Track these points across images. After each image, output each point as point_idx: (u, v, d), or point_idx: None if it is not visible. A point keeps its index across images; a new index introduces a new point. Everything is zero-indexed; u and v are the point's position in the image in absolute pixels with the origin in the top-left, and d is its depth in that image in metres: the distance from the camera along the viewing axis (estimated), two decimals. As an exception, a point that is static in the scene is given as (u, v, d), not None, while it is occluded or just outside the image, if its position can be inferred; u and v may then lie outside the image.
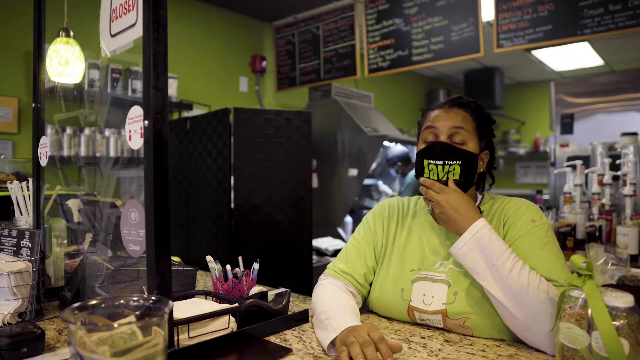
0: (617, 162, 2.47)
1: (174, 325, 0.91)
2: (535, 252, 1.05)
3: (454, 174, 1.13)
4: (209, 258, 1.29)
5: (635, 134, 2.63)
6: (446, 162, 1.13)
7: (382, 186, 4.73)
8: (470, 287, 1.09)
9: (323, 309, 1.09)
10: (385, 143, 4.05)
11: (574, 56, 5.38)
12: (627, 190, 2.16)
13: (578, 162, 2.34)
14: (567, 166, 2.41)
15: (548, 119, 4.88)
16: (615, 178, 2.40)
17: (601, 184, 2.34)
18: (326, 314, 1.06)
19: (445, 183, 1.13)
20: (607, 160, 2.42)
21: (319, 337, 1.04)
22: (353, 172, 3.78)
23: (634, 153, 2.49)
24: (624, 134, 2.64)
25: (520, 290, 0.95)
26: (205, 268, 1.37)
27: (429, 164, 1.15)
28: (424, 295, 1.14)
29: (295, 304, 1.37)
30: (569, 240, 2.15)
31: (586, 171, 2.48)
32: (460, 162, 1.12)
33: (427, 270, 1.17)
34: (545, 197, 4.69)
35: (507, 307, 0.97)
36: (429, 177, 1.15)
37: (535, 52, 5.18)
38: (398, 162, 4.41)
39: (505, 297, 0.97)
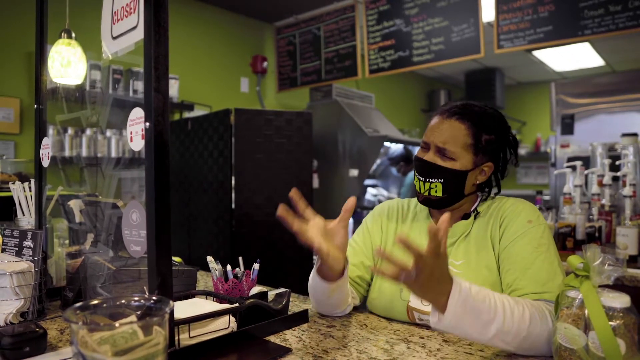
0: (617, 162, 2.47)
1: (175, 325, 0.92)
2: (529, 261, 1.05)
3: (435, 191, 1.15)
4: (209, 258, 1.29)
5: (635, 134, 2.63)
6: (427, 180, 1.16)
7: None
8: None
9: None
10: (386, 144, 4.05)
11: (575, 56, 5.38)
12: (627, 191, 2.16)
13: (578, 163, 2.34)
14: (567, 167, 2.41)
15: (549, 120, 4.88)
16: (615, 179, 2.40)
17: (601, 184, 2.34)
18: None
19: (428, 198, 1.17)
20: (607, 161, 2.42)
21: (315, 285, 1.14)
22: (354, 172, 3.79)
23: (634, 154, 2.49)
24: (624, 135, 2.64)
25: (518, 333, 0.90)
26: (206, 268, 1.37)
27: (416, 175, 1.20)
28: None
29: (295, 304, 1.37)
30: (568, 241, 2.16)
31: (586, 172, 2.48)
32: (442, 180, 1.14)
33: None
34: (546, 197, 4.69)
35: (509, 349, 0.93)
36: (420, 191, 1.19)
37: (535, 53, 5.18)
38: (401, 162, 4.41)
39: (507, 345, 0.91)
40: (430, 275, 0.83)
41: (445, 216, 0.84)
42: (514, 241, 1.09)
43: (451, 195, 1.15)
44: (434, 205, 1.20)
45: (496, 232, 1.13)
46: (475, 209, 1.20)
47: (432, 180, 1.14)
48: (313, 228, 0.98)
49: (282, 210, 0.98)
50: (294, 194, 0.99)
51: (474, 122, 1.14)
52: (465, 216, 1.20)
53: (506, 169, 1.22)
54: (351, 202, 0.97)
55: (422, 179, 1.17)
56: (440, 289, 0.86)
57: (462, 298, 0.86)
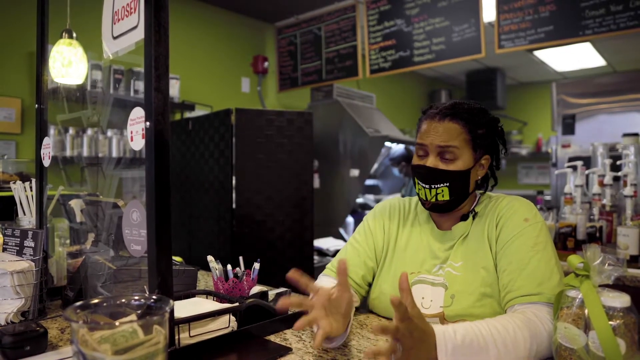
0: (618, 162, 2.47)
1: (175, 324, 0.92)
2: (524, 261, 1.04)
3: (442, 195, 1.13)
4: (210, 258, 1.30)
5: (636, 134, 2.62)
6: (433, 186, 1.14)
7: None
8: (466, 290, 1.10)
9: None
10: (387, 144, 4.05)
11: (576, 57, 5.37)
12: (628, 191, 2.15)
13: (579, 163, 2.34)
14: (568, 167, 2.41)
15: (550, 120, 4.88)
16: (616, 179, 2.40)
17: (602, 184, 2.34)
18: None
19: (436, 204, 1.15)
20: (608, 161, 2.42)
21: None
22: (355, 172, 3.79)
23: (635, 154, 2.49)
24: (625, 135, 2.63)
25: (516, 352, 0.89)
26: (207, 268, 1.38)
27: (418, 183, 1.18)
28: (423, 298, 1.14)
29: (296, 304, 1.37)
30: (569, 241, 2.16)
31: (587, 172, 2.47)
32: (448, 184, 1.12)
33: (427, 273, 1.17)
34: (547, 197, 4.69)
35: None
36: (425, 199, 1.17)
37: (537, 53, 5.17)
38: (402, 162, 4.40)
39: None
40: (410, 338, 0.80)
41: (404, 276, 0.83)
42: (510, 241, 1.08)
43: (458, 196, 1.15)
44: (441, 210, 1.18)
45: (493, 231, 1.13)
46: (473, 209, 1.20)
47: (438, 185, 1.13)
48: (317, 303, 0.94)
49: (292, 275, 0.95)
50: (292, 275, 0.95)
51: (466, 119, 1.14)
52: (464, 217, 1.20)
53: (500, 159, 1.23)
54: (343, 265, 0.95)
55: (427, 186, 1.14)
56: (426, 346, 0.83)
57: (449, 351, 0.83)
